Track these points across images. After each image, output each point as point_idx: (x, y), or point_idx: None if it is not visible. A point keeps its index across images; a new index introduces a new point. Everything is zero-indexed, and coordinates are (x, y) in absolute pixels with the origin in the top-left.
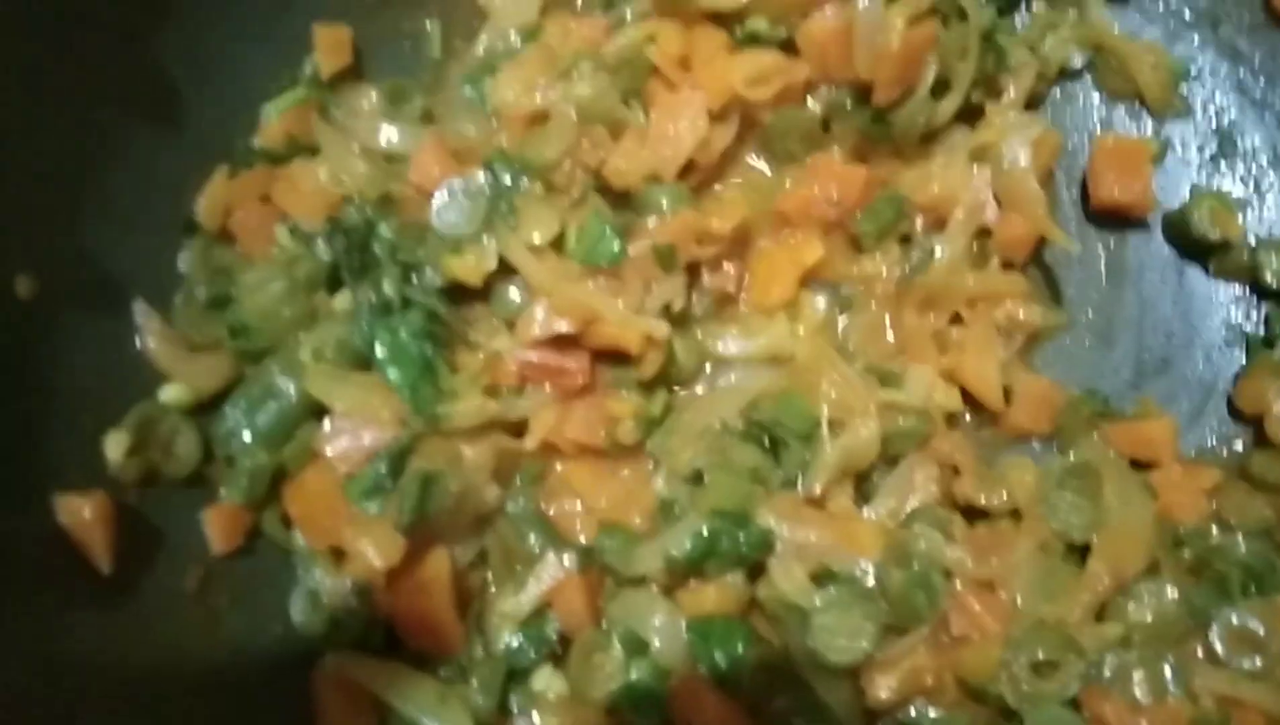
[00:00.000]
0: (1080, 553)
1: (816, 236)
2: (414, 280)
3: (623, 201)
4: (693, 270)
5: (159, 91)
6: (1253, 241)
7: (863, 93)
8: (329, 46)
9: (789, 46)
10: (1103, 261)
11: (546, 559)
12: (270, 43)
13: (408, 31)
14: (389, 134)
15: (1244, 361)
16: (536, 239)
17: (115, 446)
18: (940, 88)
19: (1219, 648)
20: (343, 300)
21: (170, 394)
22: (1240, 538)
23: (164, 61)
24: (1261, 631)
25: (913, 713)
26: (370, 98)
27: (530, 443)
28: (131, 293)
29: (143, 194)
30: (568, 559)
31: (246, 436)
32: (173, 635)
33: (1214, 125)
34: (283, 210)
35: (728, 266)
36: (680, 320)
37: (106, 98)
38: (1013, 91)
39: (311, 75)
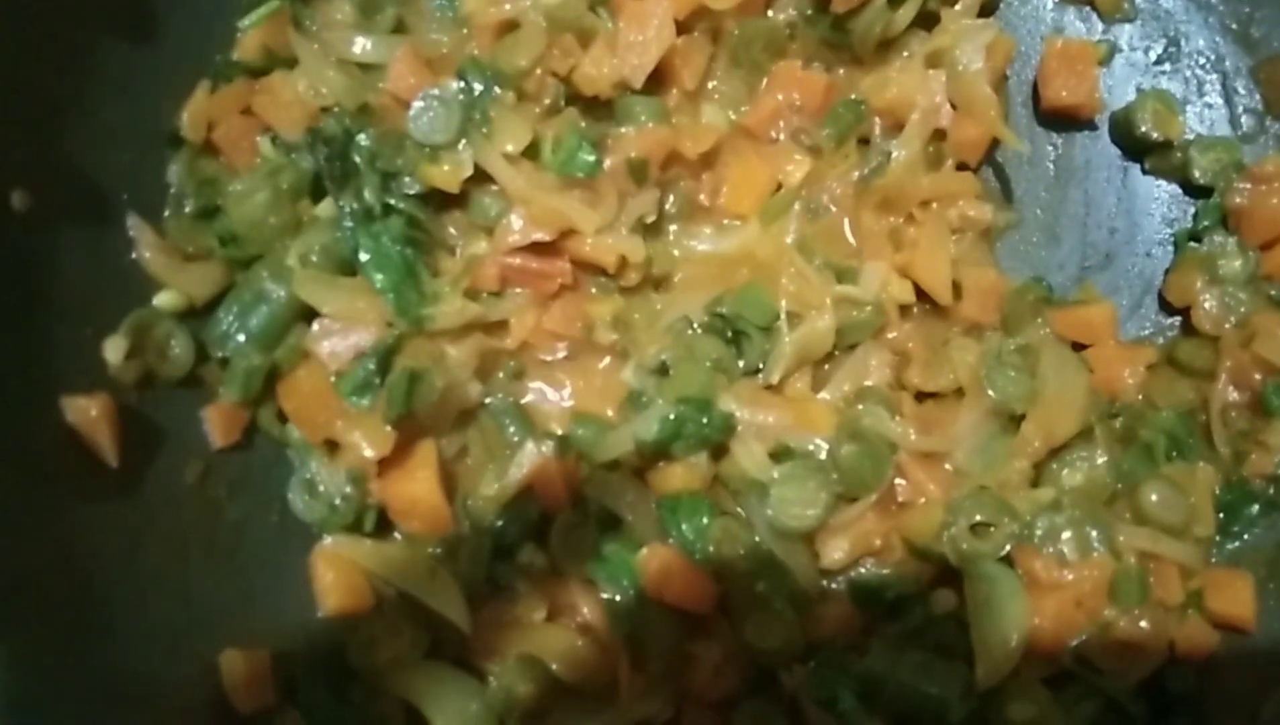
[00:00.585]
0: (1019, 424)
1: (798, 151)
2: (394, 188)
3: (597, 112)
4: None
5: (135, 7)
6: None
7: (822, 1)
8: None
9: None
10: (1051, 161)
11: (526, 447)
12: None
13: None
14: (363, 44)
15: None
16: (510, 148)
17: (114, 350)
18: None
19: (1144, 507)
20: (326, 207)
21: (164, 300)
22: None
23: None
24: (1181, 493)
25: (863, 571)
26: (343, 9)
27: (511, 342)
28: (123, 205)
29: (127, 110)
30: (545, 446)
31: (240, 338)
32: (177, 524)
33: (1160, 28)
34: (264, 122)
35: (704, 176)
36: (653, 228)
37: (85, 17)
38: None
39: None
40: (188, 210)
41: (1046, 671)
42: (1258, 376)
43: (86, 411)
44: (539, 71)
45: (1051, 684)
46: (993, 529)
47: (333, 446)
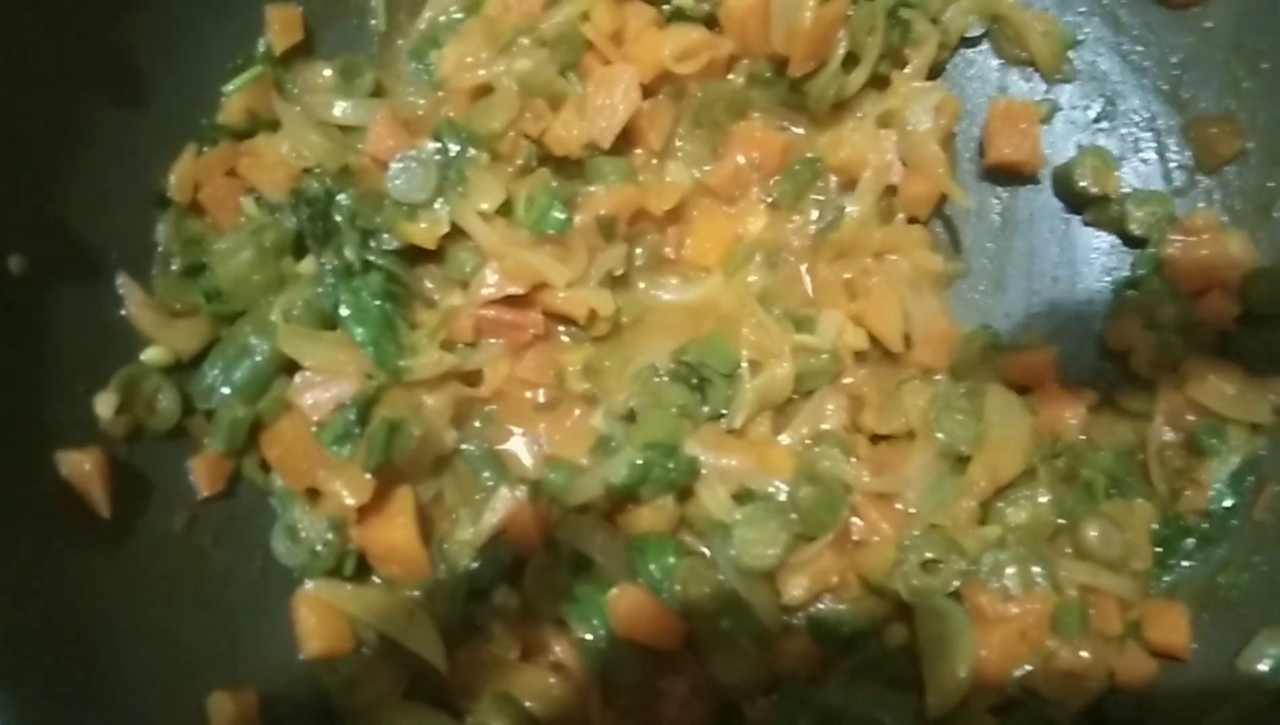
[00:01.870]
0: (966, 465)
1: (759, 207)
2: (373, 244)
3: (568, 171)
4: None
5: (126, 75)
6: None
7: (780, 65)
8: (281, 25)
9: (712, 23)
10: (997, 213)
11: (500, 492)
12: (226, 24)
13: (354, 8)
14: (343, 108)
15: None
16: (485, 206)
17: (105, 406)
18: (850, 60)
19: (1084, 543)
20: (308, 265)
21: (152, 355)
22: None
23: (129, 46)
24: (1119, 529)
25: (821, 608)
26: (323, 73)
27: (485, 391)
28: (112, 264)
29: (117, 172)
30: (519, 491)
31: (225, 391)
32: (166, 571)
33: (1098, 89)
34: (248, 183)
35: (669, 230)
36: (621, 280)
37: (78, 83)
38: (917, 60)
39: (266, 53)
40: (175, 268)
41: (993, 701)
42: (1191, 418)
43: (80, 465)
44: (512, 133)
45: (998, 712)
46: (942, 566)
47: (314, 494)
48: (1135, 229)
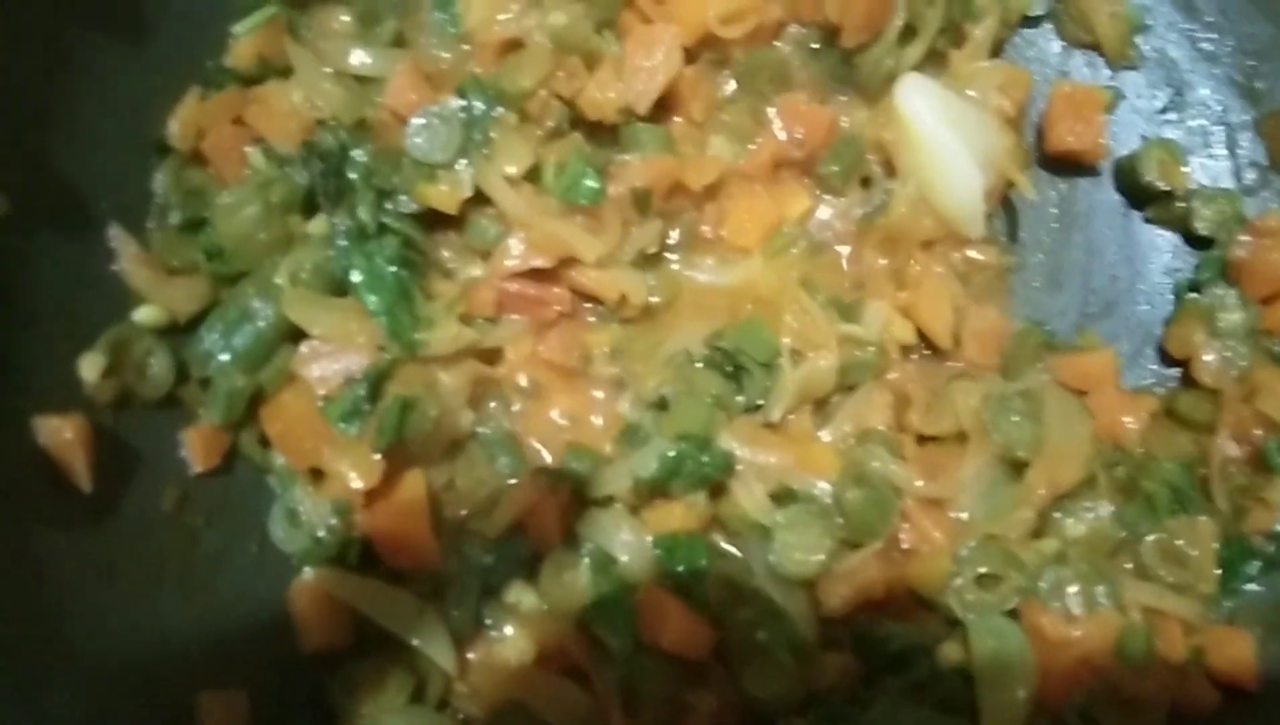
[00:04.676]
0: (1021, 471)
1: (801, 188)
2: (389, 206)
3: (600, 139)
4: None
5: (123, 6)
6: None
7: (831, 35)
8: None
9: None
10: (1055, 206)
11: (517, 480)
12: None
13: None
14: (361, 57)
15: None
16: (512, 170)
17: (90, 368)
18: (907, 33)
19: (1147, 562)
20: (318, 224)
21: (144, 315)
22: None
23: None
24: (1185, 548)
25: (864, 621)
26: (340, 19)
27: (506, 370)
28: (104, 214)
29: (112, 115)
30: (538, 480)
31: (224, 358)
32: (151, 553)
33: (1165, 77)
34: (256, 133)
35: (707, 208)
36: (654, 258)
37: (70, 12)
38: (978, 35)
39: None
40: (173, 222)
41: None
42: (1258, 432)
43: (60, 433)
44: (543, 93)
45: None
46: (999, 581)
47: (317, 475)
48: (1201, 228)
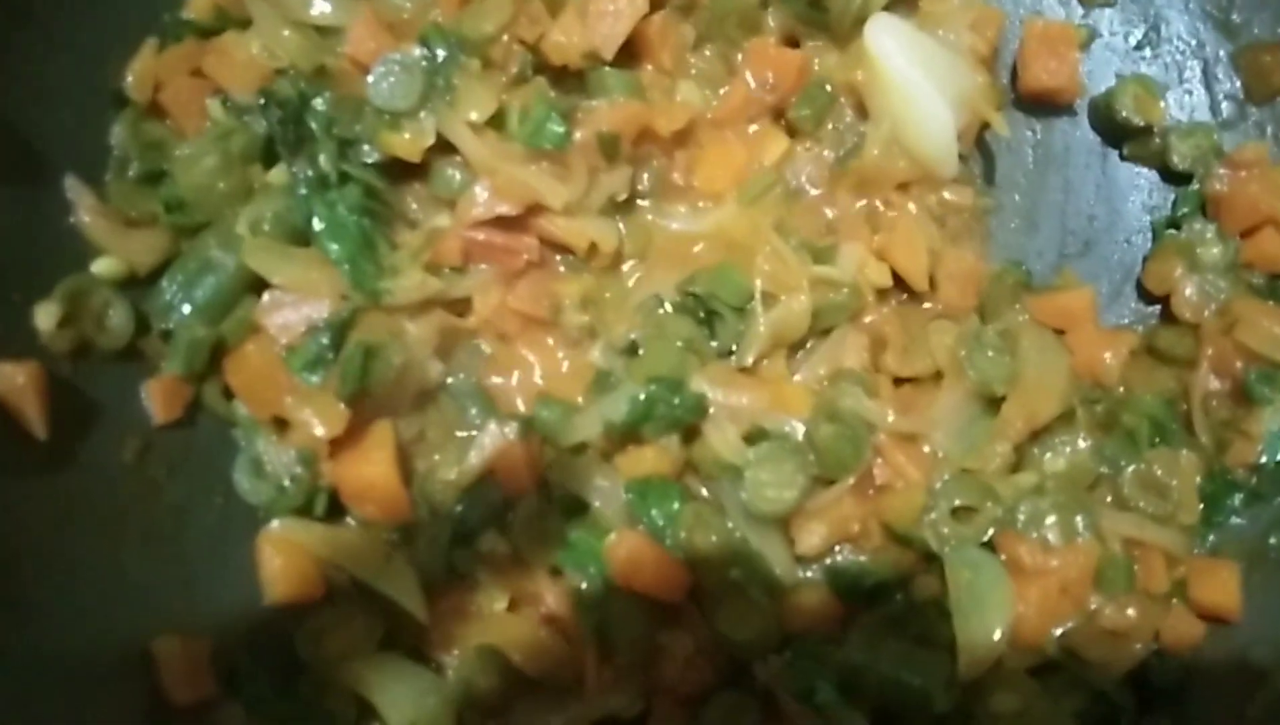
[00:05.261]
0: (998, 407)
1: (775, 131)
2: (351, 155)
3: (566, 85)
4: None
5: None
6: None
7: None
8: None
9: None
10: (1030, 146)
11: (488, 429)
12: None
13: None
14: (321, 6)
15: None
16: (475, 116)
17: (45, 317)
18: None
19: (1127, 493)
20: (278, 174)
21: (103, 267)
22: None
23: None
24: (1165, 479)
25: (839, 559)
26: None
27: (473, 321)
28: (62, 166)
29: (68, 66)
30: (508, 429)
31: (185, 310)
32: (112, 504)
33: (1140, 13)
34: (214, 84)
35: (677, 154)
36: (625, 205)
37: None
38: None
39: None
40: (131, 174)
41: (1031, 661)
42: (1239, 364)
43: (12, 378)
44: (505, 38)
45: (1037, 674)
46: (975, 513)
47: (282, 425)
48: (1178, 163)
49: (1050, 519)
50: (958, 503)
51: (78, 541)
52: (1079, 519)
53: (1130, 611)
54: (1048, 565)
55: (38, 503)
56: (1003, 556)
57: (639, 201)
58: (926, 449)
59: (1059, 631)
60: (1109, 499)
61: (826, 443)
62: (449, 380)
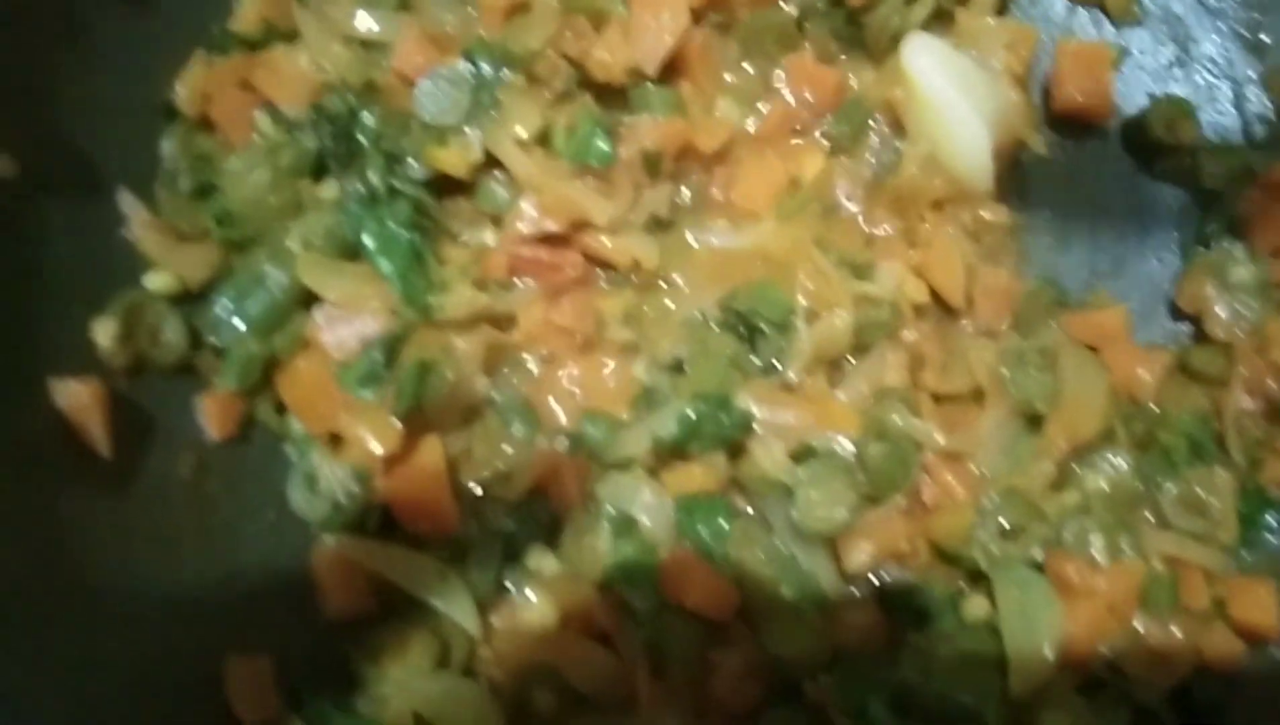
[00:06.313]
0: (1040, 426)
1: (816, 149)
2: (399, 171)
3: (608, 101)
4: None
5: None
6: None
7: None
8: None
9: None
10: (1062, 164)
11: (535, 445)
12: None
13: None
14: (367, 21)
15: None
16: (521, 133)
17: (104, 332)
18: None
19: (1168, 512)
20: (328, 189)
21: (156, 282)
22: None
23: None
24: (1205, 497)
25: (886, 577)
26: None
27: (519, 335)
28: (114, 179)
29: (119, 79)
30: (555, 445)
31: (237, 324)
32: (171, 521)
33: (1170, 33)
34: (263, 97)
35: (716, 171)
36: (665, 221)
37: None
38: None
39: None
40: (182, 188)
41: (1079, 679)
42: (1272, 384)
43: (78, 396)
44: (550, 54)
45: (1083, 692)
46: (1023, 532)
47: (335, 441)
48: (1209, 183)
49: (1096, 538)
50: (1005, 522)
51: (139, 559)
52: (1125, 538)
53: (1174, 630)
54: (1095, 584)
55: (102, 520)
56: (1050, 575)
57: (679, 217)
58: (972, 467)
59: (1106, 649)
60: (1150, 517)
61: (876, 462)
62: (495, 395)
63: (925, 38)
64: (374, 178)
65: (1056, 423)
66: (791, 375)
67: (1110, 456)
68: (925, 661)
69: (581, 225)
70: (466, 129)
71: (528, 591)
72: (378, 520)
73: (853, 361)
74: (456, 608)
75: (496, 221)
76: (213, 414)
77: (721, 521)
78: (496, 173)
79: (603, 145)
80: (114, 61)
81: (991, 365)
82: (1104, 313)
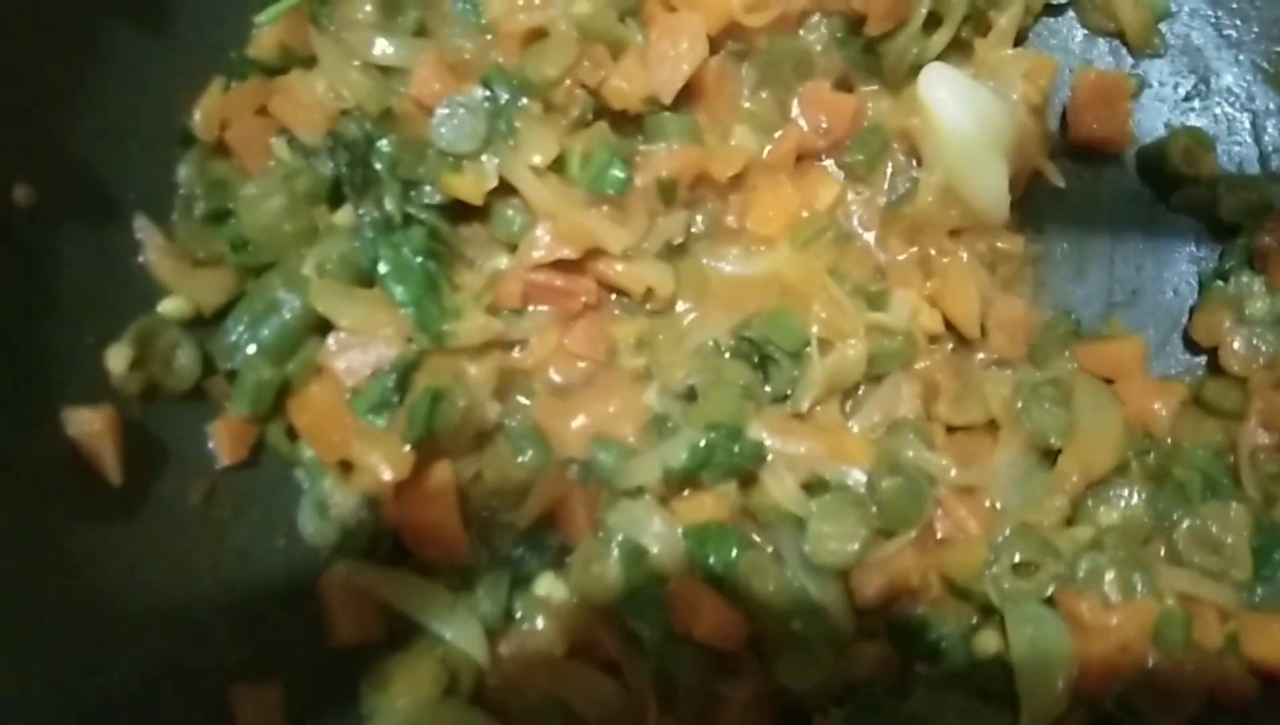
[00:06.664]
0: (1053, 459)
1: (830, 177)
2: (414, 197)
3: (623, 129)
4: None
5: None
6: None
7: (855, 24)
8: None
9: None
10: (1078, 194)
11: (545, 473)
12: None
13: None
14: (384, 47)
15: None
16: (537, 160)
17: (118, 359)
18: (932, 21)
19: (1181, 548)
20: (344, 215)
21: (170, 307)
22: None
23: None
24: (1219, 534)
25: (898, 610)
26: (363, 9)
27: (531, 361)
28: (129, 204)
29: (136, 104)
30: (566, 472)
31: (250, 350)
32: (181, 548)
33: (1190, 65)
34: (280, 123)
35: (731, 198)
36: (679, 248)
37: (94, 6)
38: (1002, 24)
39: None
40: (198, 213)
41: (1090, 715)
42: None
43: (90, 424)
44: (567, 82)
45: None
46: (1036, 568)
47: (345, 467)
48: (1227, 216)
49: (1110, 575)
50: (1018, 557)
51: (149, 585)
52: (1138, 576)
53: (1187, 668)
54: (1109, 623)
55: (112, 546)
56: (1063, 612)
57: (692, 244)
58: (985, 501)
59: (1118, 687)
60: (1162, 553)
61: (889, 495)
62: (506, 422)
63: (943, 68)
64: (390, 204)
65: (1070, 456)
66: (804, 405)
67: (1124, 491)
68: (936, 696)
69: (596, 252)
70: (483, 156)
71: (537, 619)
72: (389, 547)
73: (867, 391)
74: (465, 636)
75: (511, 248)
76: (224, 439)
77: (732, 551)
78: (512, 199)
79: (619, 173)
80: (131, 87)
81: (1006, 397)
82: (1120, 344)
